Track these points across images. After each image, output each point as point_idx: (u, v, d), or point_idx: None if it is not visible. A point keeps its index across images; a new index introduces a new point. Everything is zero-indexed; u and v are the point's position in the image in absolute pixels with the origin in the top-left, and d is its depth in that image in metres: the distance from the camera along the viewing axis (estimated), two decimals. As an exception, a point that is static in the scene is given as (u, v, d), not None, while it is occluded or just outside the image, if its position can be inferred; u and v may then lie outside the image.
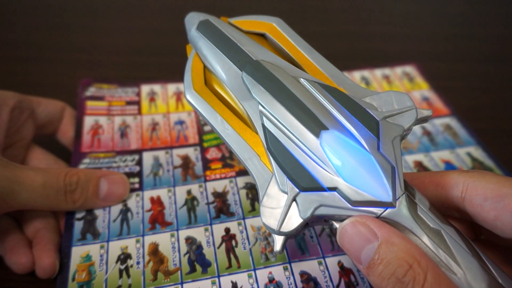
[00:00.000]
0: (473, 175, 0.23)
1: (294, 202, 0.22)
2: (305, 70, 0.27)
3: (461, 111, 0.43)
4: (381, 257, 0.20)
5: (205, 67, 0.28)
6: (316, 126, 0.23)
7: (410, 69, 0.49)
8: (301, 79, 0.26)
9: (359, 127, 0.23)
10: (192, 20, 0.30)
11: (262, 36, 0.29)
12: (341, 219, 0.22)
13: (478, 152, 0.39)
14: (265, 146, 0.24)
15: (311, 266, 0.29)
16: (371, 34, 0.58)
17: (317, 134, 0.23)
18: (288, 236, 0.22)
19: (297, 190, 0.23)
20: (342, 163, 0.22)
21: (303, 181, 0.23)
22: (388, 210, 0.21)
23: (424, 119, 0.24)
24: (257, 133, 0.25)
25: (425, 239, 0.21)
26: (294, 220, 0.22)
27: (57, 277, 0.29)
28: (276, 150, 0.24)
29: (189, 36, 0.30)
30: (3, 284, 0.30)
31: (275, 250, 0.22)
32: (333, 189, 0.22)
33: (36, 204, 0.28)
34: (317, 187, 0.22)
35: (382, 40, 0.57)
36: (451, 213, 0.25)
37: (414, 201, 0.22)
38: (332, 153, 0.23)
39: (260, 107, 0.25)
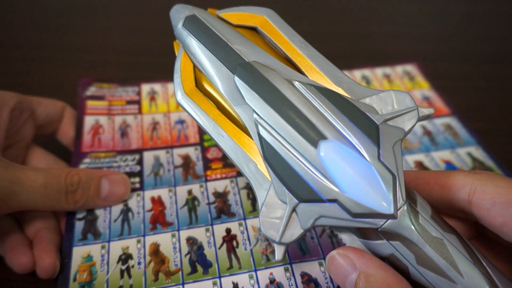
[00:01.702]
0: (481, 177, 0.22)
1: (294, 212, 0.22)
2: (300, 68, 0.25)
3: (461, 111, 0.43)
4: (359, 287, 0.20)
5: (194, 66, 0.27)
6: (314, 135, 0.23)
7: (410, 68, 0.49)
8: (296, 82, 0.24)
9: (358, 134, 0.22)
10: (178, 14, 0.28)
11: (254, 29, 0.27)
12: (343, 229, 0.22)
13: (478, 152, 0.39)
14: (262, 156, 0.23)
15: (312, 267, 0.29)
16: (371, 34, 0.58)
17: (315, 144, 0.22)
18: (289, 245, 0.22)
19: (297, 201, 0.22)
20: (342, 174, 0.22)
21: (302, 192, 0.22)
22: (389, 221, 0.21)
23: (426, 117, 0.24)
24: (253, 139, 0.24)
25: (427, 249, 0.21)
26: (294, 231, 0.22)
27: (58, 278, 0.29)
28: (274, 160, 0.23)
29: (175, 32, 0.28)
30: (4, 284, 0.30)
31: (276, 258, 0.22)
32: (333, 200, 0.22)
33: (37, 205, 0.28)
34: (317, 199, 0.22)
35: (382, 40, 0.57)
36: (456, 213, 0.25)
37: (415, 210, 0.22)
38: (331, 164, 0.22)
39: (255, 115, 0.24)
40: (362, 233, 0.22)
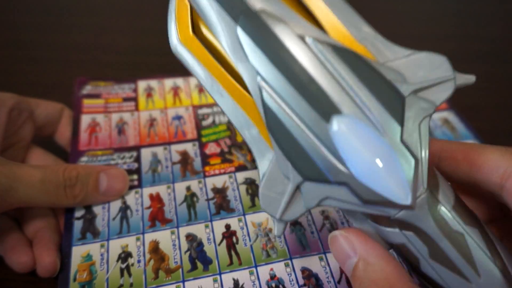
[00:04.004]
0: None
1: (297, 189, 0.20)
2: (316, 17, 0.21)
3: (460, 111, 0.43)
4: (356, 274, 0.19)
5: (191, 6, 0.22)
6: (327, 108, 0.19)
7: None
8: (309, 38, 0.20)
9: (379, 109, 0.19)
10: None
11: None
12: (350, 211, 0.21)
13: (476, 145, 0.39)
14: (265, 124, 0.20)
15: (313, 262, 0.29)
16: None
17: (327, 119, 0.19)
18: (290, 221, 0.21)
19: (301, 178, 0.20)
20: (355, 155, 0.19)
21: (308, 171, 0.19)
22: (405, 211, 0.19)
23: (463, 86, 0.20)
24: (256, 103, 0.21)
25: (444, 243, 0.19)
26: (297, 209, 0.20)
27: (58, 278, 0.29)
28: (278, 131, 0.20)
29: None
30: (4, 284, 0.29)
31: (274, 233, 0.20)
32: (342, 184, 0.19)
33: (36, 201, 0.28)
34: (324, 180, 0.19)
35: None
36: (483, 194, 0.22)
37: (437, 199, 0.19)
38: (343, 142, 0.19)
39: (259, 78, 0.20)
40: (373, 216, 0.21)
